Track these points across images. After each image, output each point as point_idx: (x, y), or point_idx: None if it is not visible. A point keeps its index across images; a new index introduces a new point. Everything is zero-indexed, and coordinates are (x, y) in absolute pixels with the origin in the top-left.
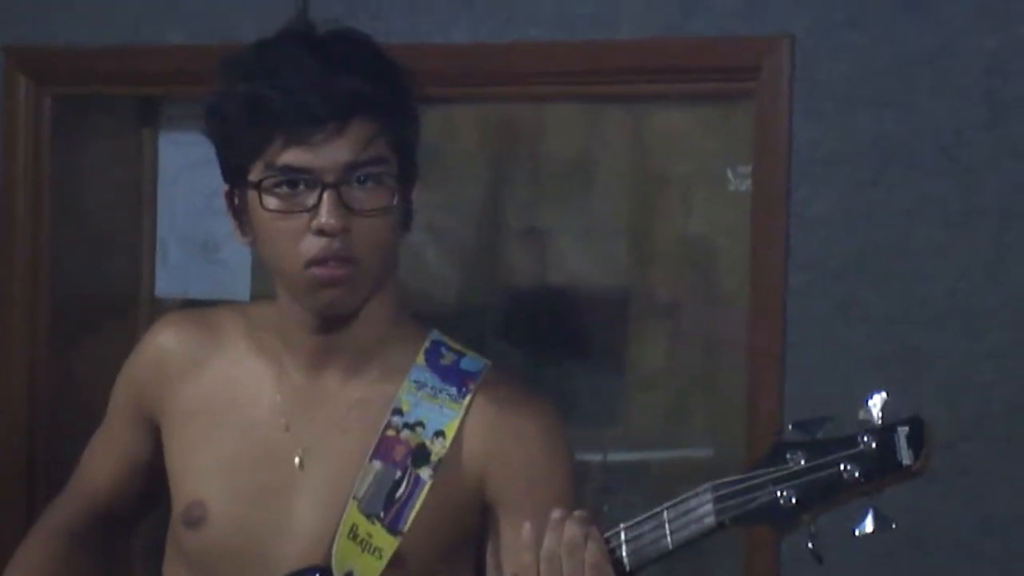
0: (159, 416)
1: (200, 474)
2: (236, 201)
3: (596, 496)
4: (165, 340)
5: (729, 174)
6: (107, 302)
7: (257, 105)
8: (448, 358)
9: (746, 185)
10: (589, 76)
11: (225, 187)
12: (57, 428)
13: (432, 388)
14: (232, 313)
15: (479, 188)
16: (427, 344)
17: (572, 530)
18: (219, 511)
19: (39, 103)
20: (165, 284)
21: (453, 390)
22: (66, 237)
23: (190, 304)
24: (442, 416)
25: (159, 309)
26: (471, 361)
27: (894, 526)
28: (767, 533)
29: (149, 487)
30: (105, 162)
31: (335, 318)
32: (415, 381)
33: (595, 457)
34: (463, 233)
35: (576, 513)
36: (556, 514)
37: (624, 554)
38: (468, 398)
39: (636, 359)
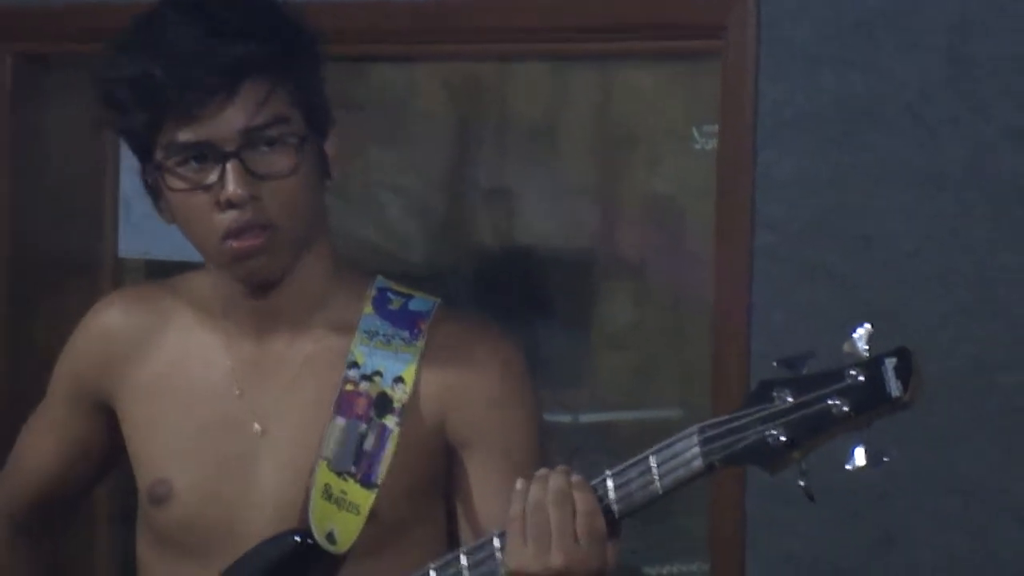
0: (109, 398)
1: (161, 451)
2: (149, 180)
3: (565, 457)
4: (108, 321)
5: (695, 133)
6: (69, 262)
7: (143, 85)
8: (396, 303)
9: (712, 144)
10: (555, 34)
11: (139, 166)
12: (17, 389)
13: (384, 335)
14: (171, 287)
15: (444, 147)
16: (372, 292)
17: (558, 480)
18: (183, 486)
19: (0, 61)
20: (128, 244)
21: (406, 334)
22: (27, 196)
23: (154, 264)
24: (399, 362)
25: (122, 269)
26: (420, 301)
27: (886, 459)
28: (734, 493)
29: (93, 468)
30: (67, 121)
31: (267, 283)
32: (366, 331)
33: (563, 418)
34: (428, 193)
35: (559, 468)
36: (541, 471)
37: (612, 500)
38: (422, 340)
39: (603, 319)
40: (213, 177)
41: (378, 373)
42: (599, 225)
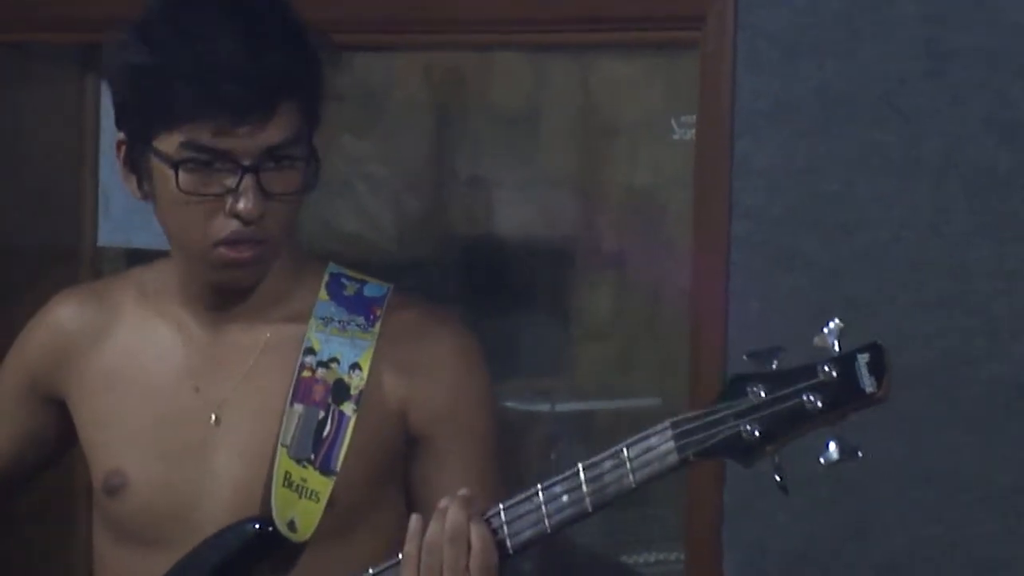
0: (61, 392)
1: (115, 443)
2: (133, 155)
3: (543, 446)
4: (60, 317)
5: (673, 124)
6: (49, 252)
7: (179, 82)
8: (350, 288)
9: (690, 135)
10: (533, 24)
11: (119, 136)
12: None
13: (340, 322)
14: (123, 282)
15: (423, 137)
16: (326, 278)
17: (456, 516)
18: (138, 476)
19: None
20: (108, 234)
21: (361, 319)
22: (6, 186)
23: (134, 254)
24: (355, 348)
25: (102, 259)
26: (373, 287)
27: (860, 454)
28: (711, 483)
29: (41, 458)
30: (46, 110)
31: (234, 289)
32: (321, 318)
33: (542, 407)
34: (407, 183)
35: (461, 493)
36: (442, 503)
37: (573, 499)
38: (377, 325)
39: (582, 309)
40: (228, 185)
41: (335, 360)
42: (577, 215)
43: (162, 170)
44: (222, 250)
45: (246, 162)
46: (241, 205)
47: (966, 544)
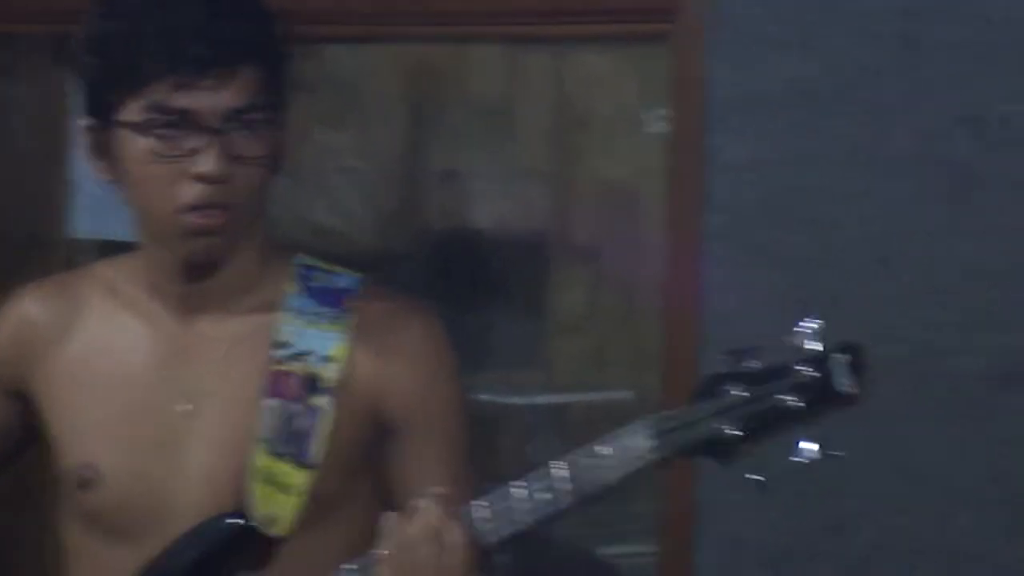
0: (27, 386)
1: (86, 437)
2: (100, 138)
3: (518, 440)
4: (25, 312)
5: (646, 116)
6: (22, 242)
7: (144, 43)
8: (319, 279)
9: (663, 128)
10: (507, 17)
11: (84, 122)
12: None
13: (310, 314)
14: (89, 275)
15: (396, 130)
16: (295, 269)
17: (430, 515)
18: (110, 469)
19: None
20: (81, 225)
21: (332, 311)
22: None
23: (106, 245)
24: (326, 340)
25: (75, 251)
26: (343, 278)
27: (834, 454)
28: (684, 477)
29: (4, 453)
30: (19, 101)
31: (203, 264)
32: (292, 310)
33: (516, 400)
34: (380, 175)
35: (435, 490)
36: (417, 501)
37: (557, 489)
38: (349, 317)
39: (556, 303)
40: (191, 147)
41: (307, 352)
42: (552, 208)
43: (129, 142)
44: (189, 216)
45: (210, 123)
46: (208, 166)
47: (939, 537)
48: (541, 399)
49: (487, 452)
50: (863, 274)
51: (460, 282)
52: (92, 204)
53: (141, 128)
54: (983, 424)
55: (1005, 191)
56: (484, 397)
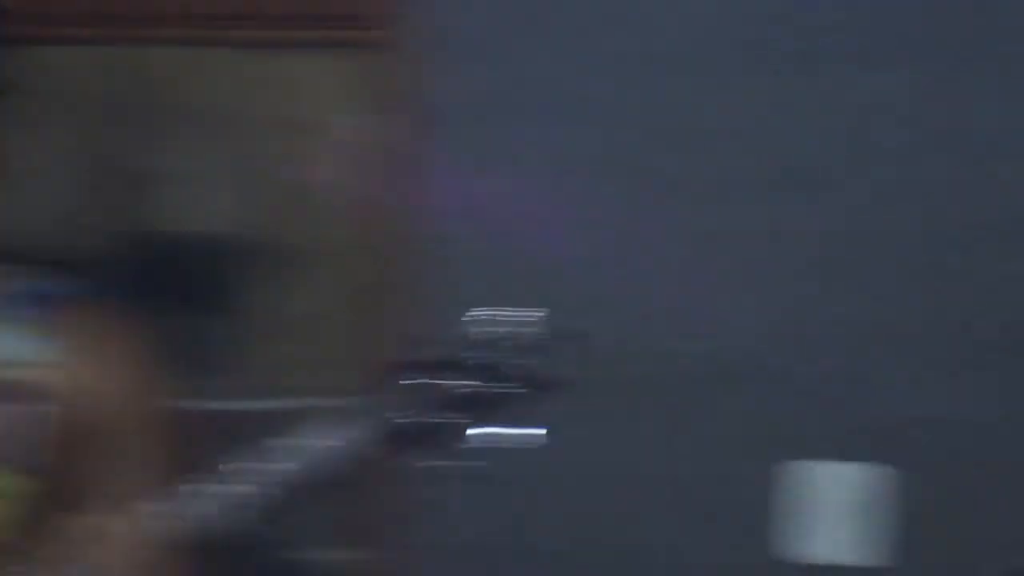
0: None
1: None
2: None
3: (220, 443)
4: None
5: (355, 122)
6: None
7: None
8: (20, 284)
9: (368, 133)
10: (208, 20)
11: None
12: None
13: (9, 318)
14: None
15: (92, 132)
16: None
17: (129, 517)
18: None
19: None
20: None
21: (30, 314)
22: None
23: None
24: (28, 344)
25: None
26: (45, 283)
27: (544, 439)
28: (396, 474)
29: None
30: None
31: None
32: None
33: (222, 407)
34: (77, 179)
35: (131, 490)
36: (119, 504)
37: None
38: (50, 321)
39: (260, 307)
40: None
41: (8, 357)
42: (251, 211)
43: None
44: None
45: None
46: None
47: (642, 536)
48: (242, 404)
49: (194, 456)
50: (565, 275)
51: (161, 286)
52: None
53: None
54: (690, 422)
55: None
56: (186, 402)
